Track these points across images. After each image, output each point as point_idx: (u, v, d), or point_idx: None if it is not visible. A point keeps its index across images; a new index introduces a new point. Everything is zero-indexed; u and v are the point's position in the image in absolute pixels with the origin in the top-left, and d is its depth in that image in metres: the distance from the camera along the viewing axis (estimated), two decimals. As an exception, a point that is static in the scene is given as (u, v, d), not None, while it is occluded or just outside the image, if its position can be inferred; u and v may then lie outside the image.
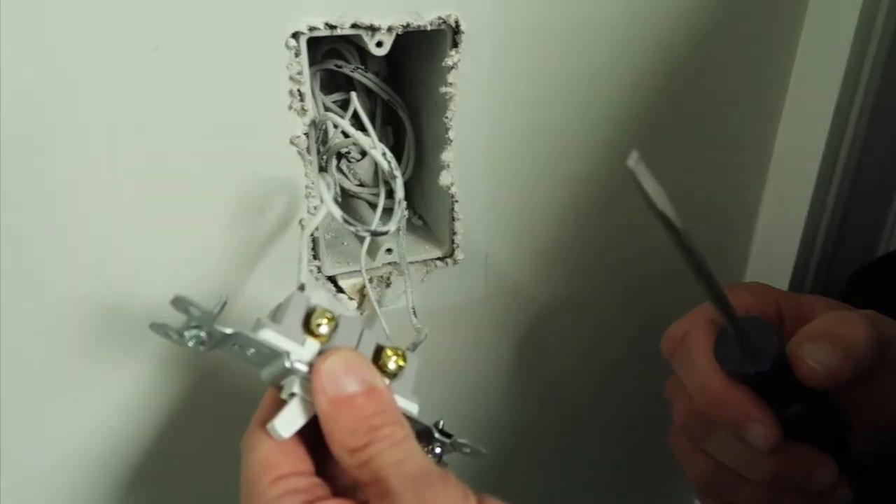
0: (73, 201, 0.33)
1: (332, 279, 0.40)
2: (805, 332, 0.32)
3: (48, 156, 0.32)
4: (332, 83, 0.43)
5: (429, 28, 0.35)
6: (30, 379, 0.36)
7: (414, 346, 0.35)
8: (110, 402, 0.39)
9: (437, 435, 0.32)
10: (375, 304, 0.39)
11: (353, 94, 0.37)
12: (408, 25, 0.35)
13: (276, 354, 0.28)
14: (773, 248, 0.48)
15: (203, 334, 0.27)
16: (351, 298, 0.41)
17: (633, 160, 0.26)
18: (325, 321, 0.29)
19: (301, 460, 0.28)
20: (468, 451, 0.32)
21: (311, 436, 0.29)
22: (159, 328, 0.27)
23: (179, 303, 0.26)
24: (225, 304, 0.27)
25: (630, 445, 0.55)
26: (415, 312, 0.36)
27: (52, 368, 0.37)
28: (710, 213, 0.48)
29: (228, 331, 0.27)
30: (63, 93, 0.31)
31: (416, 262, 0.42)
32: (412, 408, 0.31)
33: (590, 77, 0.40)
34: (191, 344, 0.27)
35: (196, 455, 0.42)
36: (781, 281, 0.47)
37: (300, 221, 0.37)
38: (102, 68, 0.31)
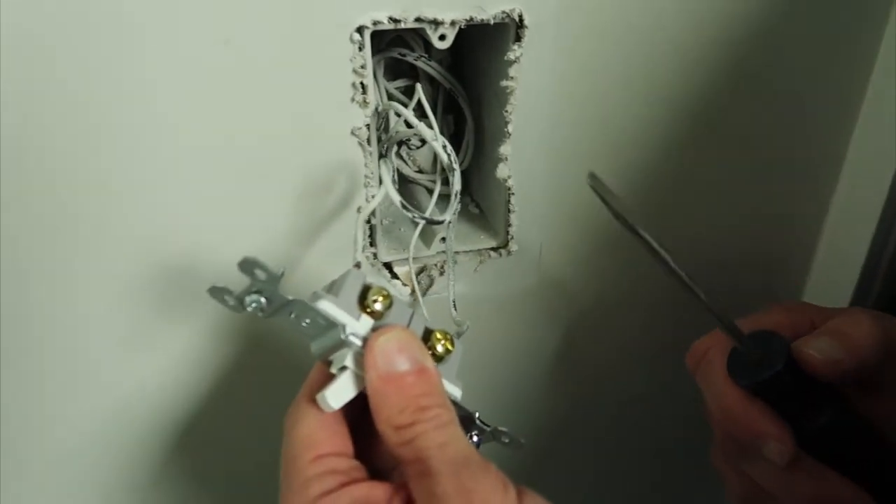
0: (155, 175, 0.35)
1: (388, 265, 0.42)
2: (813, 333, 0.33)
3: (130, 137, 0.33)
4: (397, 68, 0.44)
5: (492, 22, 0.35)
6: (95, 330, 0.38)
7: (457, 336, 0.35)
8: (167, 359, 0.40)
9: (477, 422, 0.33)
10: (418, 292, 0.40)
11: (419, 87, 0.37)
12: (471, 20, 0.35)
13: (331, 326, 0.28)
14: (837, 258, 0.46)
15: (263, 300, 0.27)
16: (405, 284, 0.42)
17: (592, 179, 0.27)
18: (380, 298, 0.29)
19: (343, 441, 0.29)
20: (507, 440, 0.33)
21: (352, 416, 0.30)
22: (217, 292, 0.27)
23: (247, 264, 0.26)
24: (283, 273, 0.27)
25: (676, 449, 0.54)
26: (455, 305, 0.37)
27: (118, 322, 0.38)
28: (772, 218, 0.46)
29: (289, 297, 0.27)
30: (144, 81, 0.32)
31: (471, 251, 0.43)
32: (456, 392, 0.31)
33: (655, 74, 0.39)
34: (250, 308, 0.27)
35: (243, 417, 0.44)
36: (844, 293, 0.45)
37: (358, 209, 0.38)
38: (178, 58, 0.32)
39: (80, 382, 0.40)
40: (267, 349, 0.42)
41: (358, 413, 0.29)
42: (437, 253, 0.42)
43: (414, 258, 0.42)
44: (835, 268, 0.47)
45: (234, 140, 0.35)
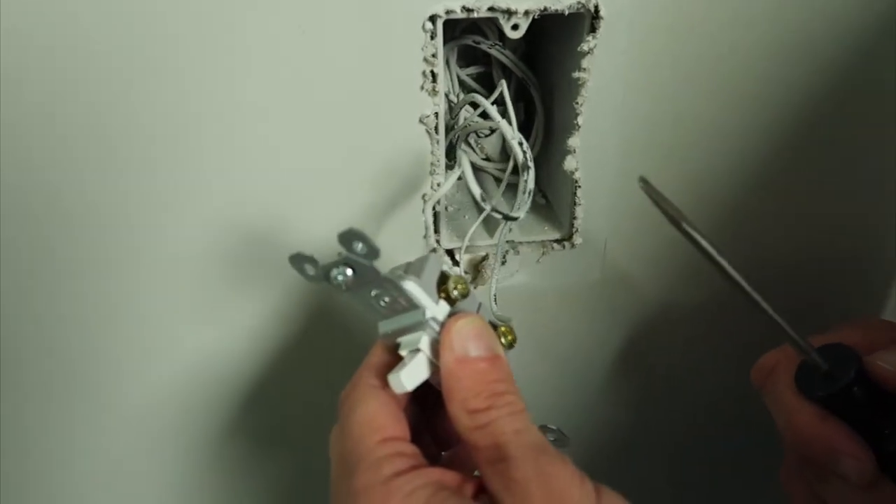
0: (237, 153, 0.36)
1: (450, 252, 0.42)
2: (887, 347, 0.31)
3: (215, 119, 0.35)
4: (470, 54, 0.44)
5: (567, 12, 0.35)
6: (174, 294, 0.40)
7: None
8: (237, 326, 0.42)
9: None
10: (469, 285, 0.40)
11: (503, 82, 0.37)
12: (545, 10, 0.34)
13: (411, 308, 0.28)
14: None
15: (350, 272, 0.26)
16: (466, 273, 0.42)
17: (643, 183, 0.27)
18: (460, 287, 0.29)
19: (403, 427, 0.28)
20: (553, 438, 0.33)
21: (405, 405, 0.30)
22: (298, 261, 0.26)
23: (349, 235, 0.26)
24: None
25: (743, 459, 0.52)
26: (496, 300, 0.36)
27: (192, 292, 0.40)
28: (851, 228, 0.44)
29: (383, 273, 0.27)
30: (231, 64, 0.33)
31: (534, 241, 0.43)
32: None
33: (735, 69, 0.37)
34: (335, 281, 0.26)
35: (302, 386, 0.45)
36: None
37: (423, 196, 0.39)
38: (257, 45, 0.33)
39: (155, 347, 0.42)
40: (329, 324, 0.43)
41: (405, 405, 0.29)
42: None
43: (477, 246, 0.42)
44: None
45: (306, 124, 0.36)
